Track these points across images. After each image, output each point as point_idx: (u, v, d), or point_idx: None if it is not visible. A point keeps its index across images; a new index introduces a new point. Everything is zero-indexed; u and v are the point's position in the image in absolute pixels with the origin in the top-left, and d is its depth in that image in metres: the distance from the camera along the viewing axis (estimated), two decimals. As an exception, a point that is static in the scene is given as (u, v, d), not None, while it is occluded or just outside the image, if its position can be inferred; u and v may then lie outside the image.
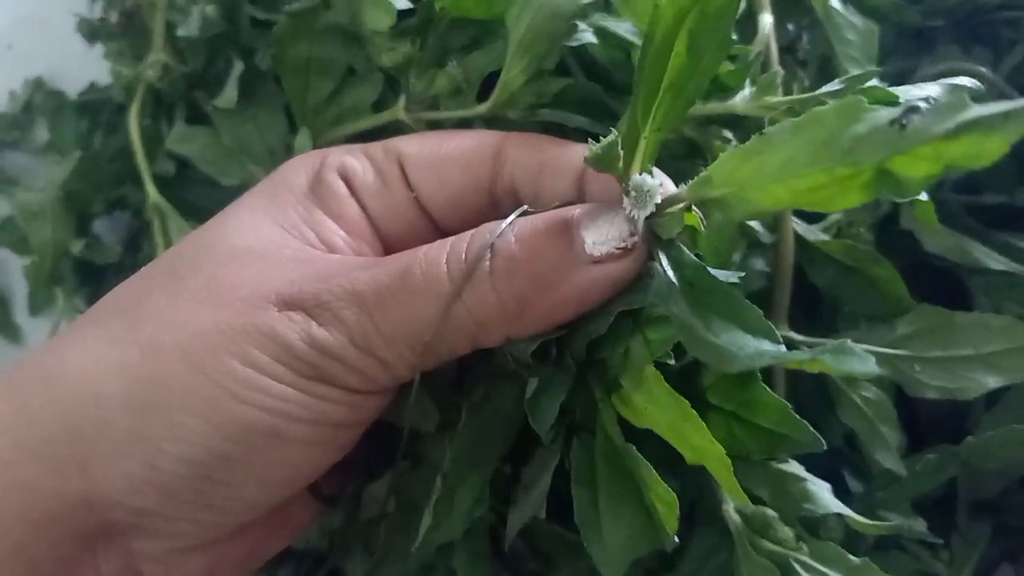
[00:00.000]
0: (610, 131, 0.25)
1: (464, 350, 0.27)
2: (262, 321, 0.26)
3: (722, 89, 0.34)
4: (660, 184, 0.24)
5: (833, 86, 0.33)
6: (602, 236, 0.25)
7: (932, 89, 0.28)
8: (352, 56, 0.38)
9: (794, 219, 0.37)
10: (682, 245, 0.25)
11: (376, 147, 0.31)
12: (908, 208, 0.39)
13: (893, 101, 0.25)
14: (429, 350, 0.26)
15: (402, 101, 0.34)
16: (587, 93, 0.35)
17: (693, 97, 0.24)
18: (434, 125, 0.36)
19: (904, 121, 0.18)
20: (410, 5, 0.36)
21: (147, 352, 0.26)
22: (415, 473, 0.29)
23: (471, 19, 0.34)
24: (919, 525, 0.36)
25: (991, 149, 0.17)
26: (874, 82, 0.38)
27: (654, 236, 0.25)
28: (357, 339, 0.26)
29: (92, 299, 0.50)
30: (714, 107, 0.34)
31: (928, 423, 0.40)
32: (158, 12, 0.44)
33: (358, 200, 0.31)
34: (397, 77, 0.35)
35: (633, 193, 0.24)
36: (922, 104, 0.18)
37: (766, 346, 0.21)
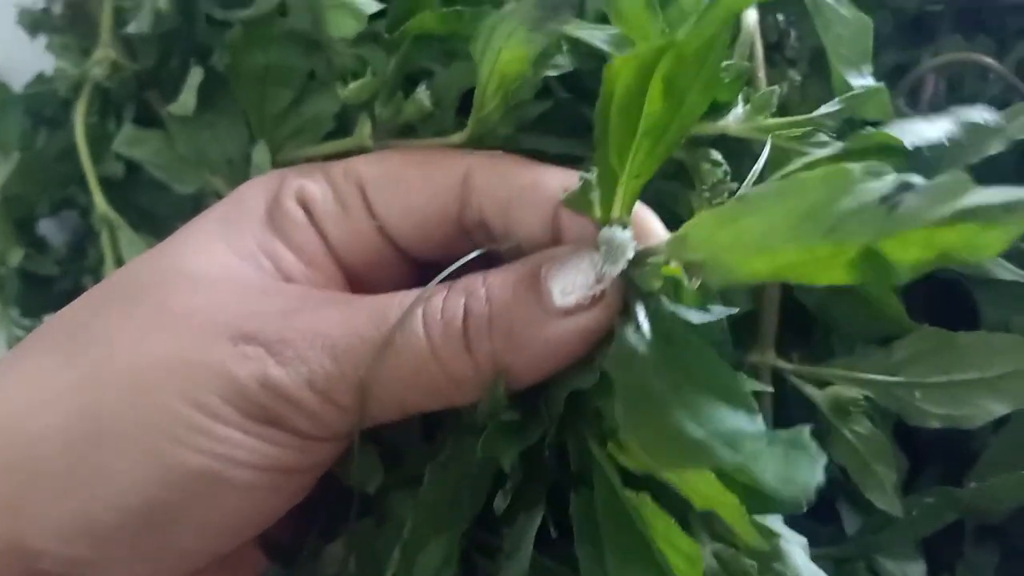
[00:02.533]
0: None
1: (436, 407, 0.26)
2: (213, 356, 0.24)
3: (712, 106, 0.32)
4: (631, 239, 0.23)
5: (831, 106, 0.32)
6: (569, 284, 0.24)
7: (944, 128, 0.26)
8: (312, 63, 0.37)
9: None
10: (663, 297, 0.24)
11: (337, 169, 0.30)
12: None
13: (898, 146, 0.24)
14: (396, 404, 0.26)
15: (367, 128, 0.33)
16: (569, 113, 0.33)
17: (676, 142, 0.23)
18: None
19: (895, 200, 0.17)
20: (380, 6, 0.34)
21: (86, 384, 0.25)
22: (380, 530, 0.28)
23: (437, 35, 0.32)
24: (918, 570, 0.34)
25: (990, 243, 0.15)
26: (867, 80, 0.37)
27: (632, 286, 0.24)
28: (318, 382, 0.25)
29: (32, 307, 0.47)
30: (703, 127, 0.33)
31: (930, 440, 0.39)
32: (106, 4, 0.41)
33: (317, 228, 0.29)
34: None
35: (603, 248, 0.23)
36: (917, 181, 0.17)
37: (738, 418, 0.20)
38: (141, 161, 0.40)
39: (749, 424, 0.20)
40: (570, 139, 0.33)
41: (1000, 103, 0.41)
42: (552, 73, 0.30)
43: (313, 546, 0.29)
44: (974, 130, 0.29)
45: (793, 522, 0.30)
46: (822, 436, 0.34)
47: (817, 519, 0.37)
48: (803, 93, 0.39)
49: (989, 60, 0.42)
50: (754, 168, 0.27)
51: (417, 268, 0.31)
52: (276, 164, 0.36)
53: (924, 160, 0.26)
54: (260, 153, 0.36)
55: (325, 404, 0.25)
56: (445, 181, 0.29)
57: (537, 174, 0.28)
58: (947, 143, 0.26)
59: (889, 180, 0.17)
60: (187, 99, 0.38)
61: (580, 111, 0.34)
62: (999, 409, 0.31)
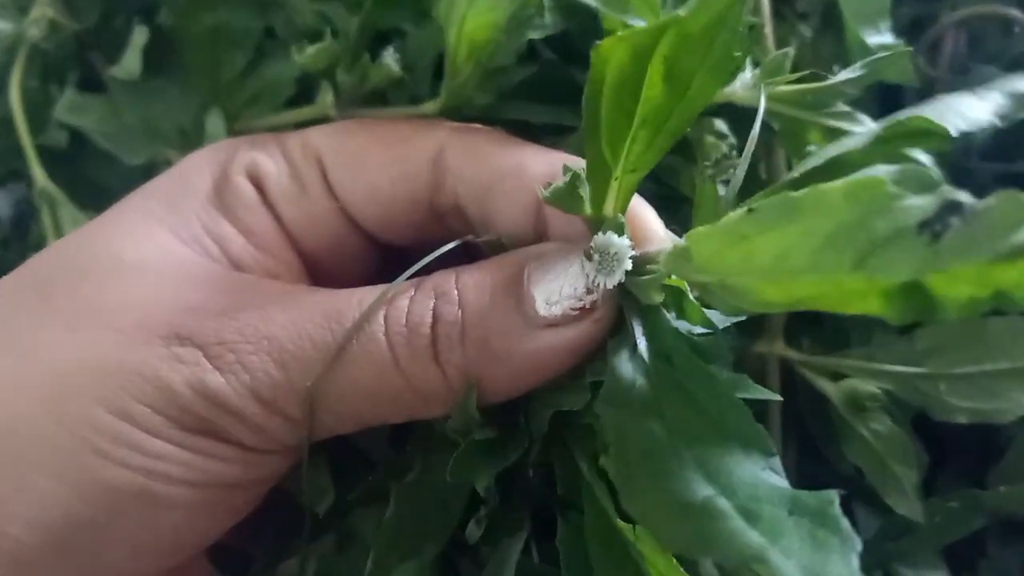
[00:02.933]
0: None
1: (401, 420, 0.23)
2: (141, 359, 0.22)
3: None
4: (629, 245, 0.20)
5: (854, 71, 0.29)
6: (555, 292, 0.21)
7: (995, 104, 0.23)
8: (268, 22, 0.33)
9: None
10: (663, 311, 0.21)
11: (294, 142, 0.27)
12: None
13: (941, 133, 0.21)
14: (353, 416, 0.23)
15: (329, 97, 0.29)
16: (557, 77, 0.30)
17: (679, 130, 0.20)
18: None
19: (939, 227, 0.14)
20: None
21: (1, 392, 0.22)
22: (343, 555, 0.26)
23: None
24: (940, 578, 0.32)
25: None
26: (885, 37, 0.33)
27: (629, 296, 0.21)
28: (263, 392, 0.22)
29: None
30: None
31: (952, 430, 0.36)
32: None
33: (271, 208, 0.26)
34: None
35: (596, 257, 0.20)
36: (964, 200, 0.14)
37: (751, 465, 0.17)
38: (85, 130, 0.36)
39: (765, 472, 0.17)
40: (559, 107, 0.30)
41: None
42: (535, 35, 0.27)
43: (267, 559, 0.27)
44: None
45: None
46: (836, 432, 0.32)
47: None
48: (814, 51, 0.35)
49: (1015, 12, 0.39)
50: (749, 141, 0.24)
51: (386, 254, 0.28)
52: (232, 134, 0.33)
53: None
54: (214, 122, 0.33)
55: (271, 415, 0.22)
56: (414, 160, 0.26)
57: (521, 156, 0.25)
58: (999, 122, 0.22)
59: (929, 201, 0.14)
60: (131, 61, 0.34)
61: (569, 75, 0.30)
62: None
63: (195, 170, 0.27)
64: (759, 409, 0.33)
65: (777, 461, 0.18)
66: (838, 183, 0.15)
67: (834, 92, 0.28)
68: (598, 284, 0.20)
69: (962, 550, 0.34)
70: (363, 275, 0.28)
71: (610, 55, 0.18)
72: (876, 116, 0.36)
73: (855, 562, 0.15)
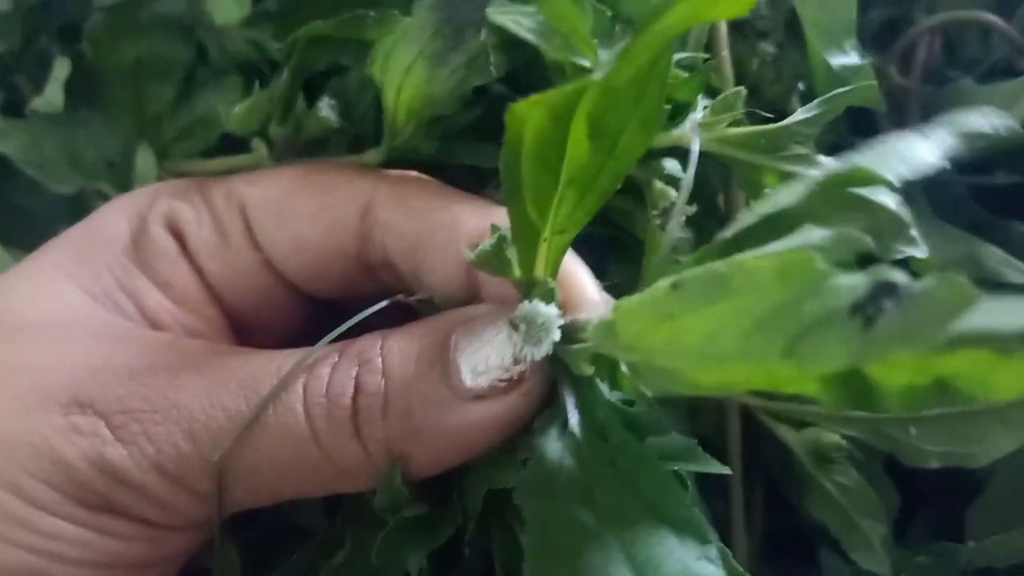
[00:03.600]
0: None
1: (321, 494, 0.22)
2: (35, 429, 0.20)
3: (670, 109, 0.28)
4: (556, 314, 0.19)
5: (806, 111, 0.27)
6: (482, 362, 0.20)
7: (943, 144, 0.22)
8: (199, 48, 0.32)
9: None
10: (596, 381, 0.20)
11: (217, 190, 0.26)
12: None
13: (884, 183, 0.20)
14: (269, 491, 0.22)
15: (262, 149, 0.28)
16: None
17: (610, 188, 0.19)
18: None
19: (871, 311, 0.12)
20: None
21: None
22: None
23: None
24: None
25: (1006, 380, 0.12)
26: (851, 58, 0.32)
27: (560, 365, 0.20)
28: (168, 466, 0.21)
29: None
30: (658, 137, 0.28)
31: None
32: None
33: (191, 260, 0.25)
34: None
35: (523, 326, 0.19)
36: (901, 282, 0.12)
37: (688, 555, 0.16)
38: (9, 157, 0.34)
39: (699, 563, 0.16)
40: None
41: (1005, 69, 0.37)
42: (481, 82, 0.26)
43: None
44: (978, 138, 0.24)
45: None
46: (799, 484, 0.31)
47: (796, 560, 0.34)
48: (776, 68, 0.34)
49: (993, 18, 0.37)
50: (682, 190, 0.23)
51: (315, 306, 0.27)
52: (163, 172, 0.32)
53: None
54: (144, 158, 0.31)
55: (176, 490, 0.21)
56: (342, 211, 0.25)
57: (454, 209, 0.24)
58: (947, 164, 0.21)
59: (862, 281, 0.13)
60: (53, 94, 0.33)
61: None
62: (1008, 444, 0.27)
63: (110, 220, 0.26)
64: (722, 451, 0.32)
65: (713, 549, 0.17)
66: (768, 258, 0.14)
67: (788, 134, 0.27)
68: (525, 355, 0.19)
69: None
70: (290, 329, 0.27)
71: (526, 117, 0.16)
72: (849, 131, 0.35)
73: None
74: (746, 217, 0.19)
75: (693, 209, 0.26)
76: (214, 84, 0.32)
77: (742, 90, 0.28)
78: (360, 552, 0.22)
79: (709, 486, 0.27)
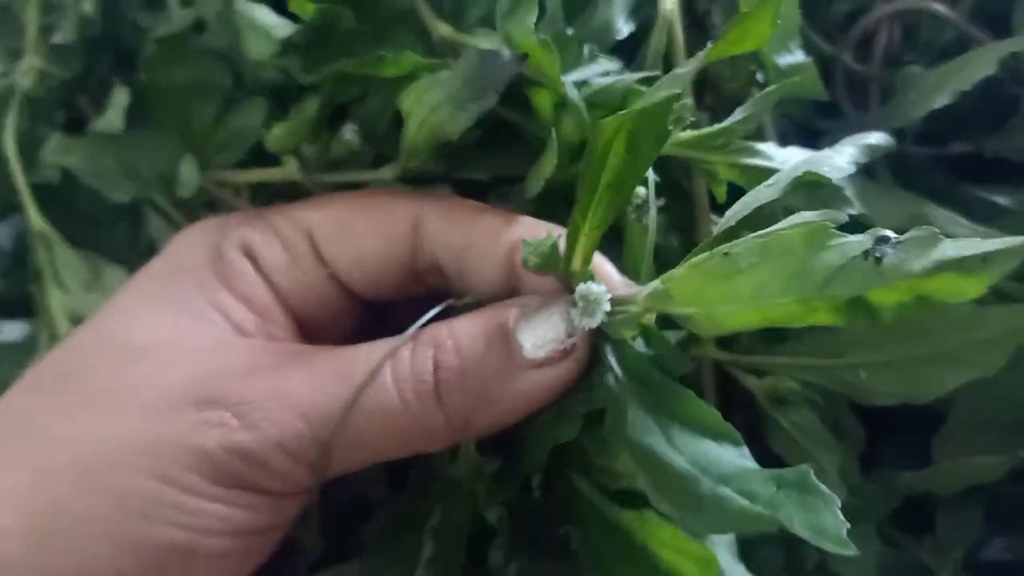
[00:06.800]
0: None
1: (404, 455, 0.27)
2: (176, 428, 0.25)
3: None
4: (606, 291, 0.25)
5: (743, 111, 0.34)
6: (540, 338, 0.26)
7: (850, 155, 0.29)
8: (233, 76, 0.38)
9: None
10: (629, 341, 0.25)
11: (280, 218, 0.31)
12: (855, 177, 0.35)
13: (826, 183, 0.27)
14: (365, 456, 0.27)
15: (292, 164, 0.33)
16: (499, 132, 0.34)
17: (631, 192, 0.25)
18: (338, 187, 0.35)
19: (878, 254, 0.19)
20: (292, 28, 0.35)
21: (42, 476, 0.25)
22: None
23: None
24: (870, 554, 0.35)
25: (970, 289, 0.18)
26: (796, 57, 0.38)
27: (600, 333, 0.26)
28: (290, 445, 0.25)
29: None
30: None
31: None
32: (29, 10, 0.42)
33: (265, 279, 0.30)
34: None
35: (581, 303, 0.25)
36: (891, 234, 0.19)
37: (730, 455, 0.22)
38: (72, 170, 0.40)
39: (742, 460, 0.22)
40: (502, 160, 0.34)
41: (956, 51, 0.41)
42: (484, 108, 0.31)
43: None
44: (871, 150, 0.31)
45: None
46: (763, 425, 0.37)
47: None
48: (732, 68, 0.40)
49: (940, 8, 0.42)
50: (650, 190, 0.30)
51: (365, 307, 0.32)
52: (204, 180, 0.37)
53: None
54: (187, 168, 0.37)
55: (296, 464, 0.26)
56: (396, 227, 0.30)
57: (491, 223, 0.29)
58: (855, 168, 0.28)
59: (866, 237, 0.19)
60: (114, 119, 0.38)
61: (510, 128, 0.34)
62: (952, 381, 0.31)
63: (187, 250, 0.30)
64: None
65: (746, 449, 0.23)
66: (796, 230, 0.20)
67: (731, 133, 0.34)
68: (583, 326, 0.25)
69: (920, 506, 0.36)
70: (345, 328, 0.32)
71: (605, 129, 0.22)
72: (815, 114, 0.41)
73: (840, 514, 0.20)
74: (739, 209, 0.25)
75: (662, 201, 0.32)
76: (247, 103, 0.37)
77: (689, 102, 0.34)
78: (451, 513, 0.27)
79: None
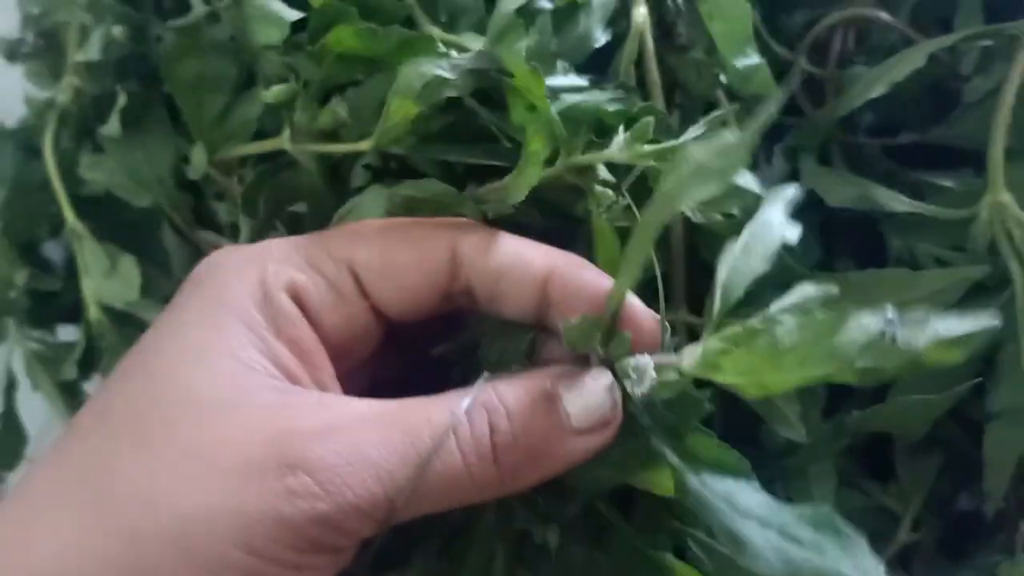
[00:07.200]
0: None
1: (456, 507, 0.30)
2: (260, 496, 0.26)
3: (601, 131, 0.38)
4: (652, 362, 0.30)
5: (698, 128, 0.38)
6: (585, 407, 0.30)
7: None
8: (243, 70, 0.41)
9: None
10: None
11: (322, 257, 0.32)
12: (809, 165, 0.43)
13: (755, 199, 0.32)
14: (424, 509, 0.29)
15: (286, 133, 0.37)
16: (474, 123, 0.38)
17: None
18: (322, 158, 0.39)
19: (892, 333, 0.25)
20: (300, 15, 0.38)
21: (128, 540, 0.26)
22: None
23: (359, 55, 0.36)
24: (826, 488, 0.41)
25: (953, 356, 0.24)
26: (752, 60, 0.41)
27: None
28: (364, 507, 0.27)
29: (40, 320, 0.55)
30: (592, 157, 0.38)
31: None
32: (71, 31, 0.47)
33: (311, 319, 0.31)
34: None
35: (634, 375, 0.30)
36: (892, 316, 0.25)
37: (748, 492, 0.29)
38: (100, 183, 0.44)
39: (761, 495, 0.29)
40: (472, 147, 0.38)
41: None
42: (450, 94, 0.35)
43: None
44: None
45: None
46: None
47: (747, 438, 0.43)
48: (697, 70, 0.45)
49: (882, 15, 0.47)
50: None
51: (387, 324, 0.34)
52: (212, 164, 0.42)
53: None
54: (198, 154, 0.41)
55: (367, 523, 0.27)
56: (437, 259, 0.32)
57: (523, 252, 0.33)
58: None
59: (877, 318, 0.25)
60: (113, 122, 0.42)
61: (482, 122, 0.38)
62: None
63: (233, 292, 0.31)
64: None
65: (756, 481, 0.29)
66: (823, 314, 0.26)
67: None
68: (634, 393, 0.30)
69: (884, 458, 0.42)
70: (372, 349, 0.35)
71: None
72: (780, 112, 0.45)
73: (867, 547, 0.26)
74: (733, 280, 0.30)
75: (628, 200, 0.37)
76: (249, 97, 0.41)
77: (651, 120, 0.38)
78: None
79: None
